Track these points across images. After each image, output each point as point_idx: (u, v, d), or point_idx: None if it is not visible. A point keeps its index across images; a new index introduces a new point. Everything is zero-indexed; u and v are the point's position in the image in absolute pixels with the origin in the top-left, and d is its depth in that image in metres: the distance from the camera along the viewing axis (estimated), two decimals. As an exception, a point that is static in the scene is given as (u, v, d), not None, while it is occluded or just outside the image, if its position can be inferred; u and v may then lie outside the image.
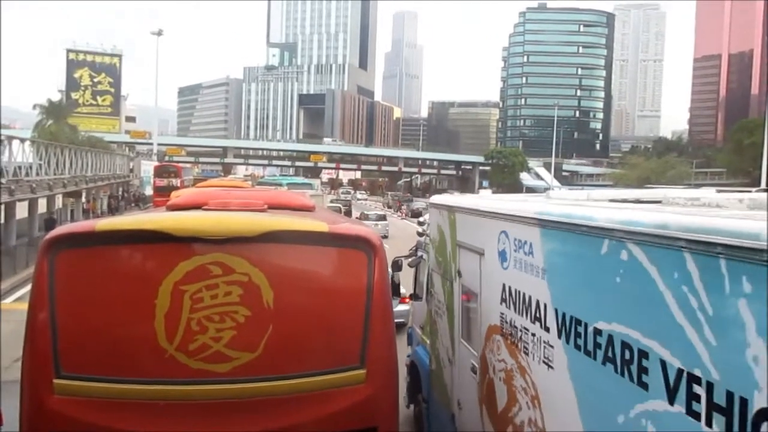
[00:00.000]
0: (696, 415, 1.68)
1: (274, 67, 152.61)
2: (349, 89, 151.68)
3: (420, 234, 7.91)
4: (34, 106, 46.09)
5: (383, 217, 26.39)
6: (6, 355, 5.66)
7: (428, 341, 4.78)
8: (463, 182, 73.41)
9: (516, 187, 57.92)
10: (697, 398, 1.68)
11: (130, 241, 2.70)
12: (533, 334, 2.78)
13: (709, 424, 1.64)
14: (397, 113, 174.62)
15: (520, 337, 2.93)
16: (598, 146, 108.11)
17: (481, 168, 74.87)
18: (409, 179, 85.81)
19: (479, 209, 3.62)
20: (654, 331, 1.88)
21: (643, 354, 1.92)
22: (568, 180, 70.19)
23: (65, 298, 2.60)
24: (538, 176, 71.15)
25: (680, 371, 1.75)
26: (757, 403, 1.47)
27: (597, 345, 2.20)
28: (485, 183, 68.79)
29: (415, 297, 5.68)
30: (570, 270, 2.51)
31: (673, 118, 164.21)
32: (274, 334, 2.62)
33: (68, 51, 75.76)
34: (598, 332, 2.20)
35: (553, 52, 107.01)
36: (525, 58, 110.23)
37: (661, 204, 2.47)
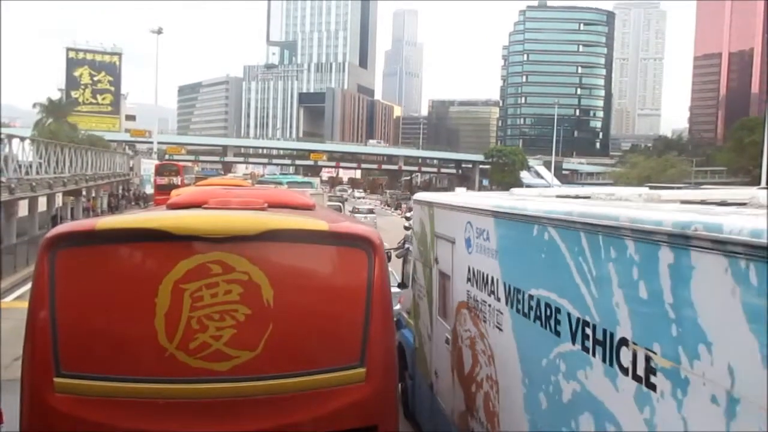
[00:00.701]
0: (587, 350, 2.26)
1: (274, 65, 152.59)
2: (349, 88, 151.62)
3: (407, 228, 8.29)
4: (34, 105, 46.22)
5: (372, 211, 30.55)
6: (6, 353, 5.65)
7: (413, 323, 5.24)
8: (464, 181, 73.20)
9: (516, 186, 57.56)
10: (588, 337, 2.26)
11: (130, 239, 2.70)
12: (489, 305, 3.30)
13: (594, 354, 2.22)
14: (397, 112, 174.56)
15: (481, 309, 3.45)
16: (598, 145, 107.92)
17: (481, 167, 74.76)
18: (409, 178, 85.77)
19: (451, 204, 4.12)
20: (564, 292, 2.43)
21: (557, 310, 2.49)
22: (569, 179, 69.95)
23: (65, 297, 2.60)
24: (538, 175, 70.99)
25: (578, 319, 2.32)
26: (618, 335, 2.06)
27: (530, 307, 2.77)
28: (485, 181, 68.67)
29: (402, 285, 6.11)
30: (514, 250, 3.08)
31: (674, 116, 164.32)
32: (274, 333, 2.62)
33: (68, 49, 75.87)
34: (531, 297, 2.76)
35: (554, 50, 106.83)
36: (525, 56, 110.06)
37: (589, 199, 2.96)
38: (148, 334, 2.55)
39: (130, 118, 78.79)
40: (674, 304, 1.74)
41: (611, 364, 2.07)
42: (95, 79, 75.54)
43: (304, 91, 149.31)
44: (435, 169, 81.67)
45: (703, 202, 2.23)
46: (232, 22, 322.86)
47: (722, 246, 1.54)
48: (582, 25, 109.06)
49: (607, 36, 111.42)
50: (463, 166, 78.94)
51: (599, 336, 2.15)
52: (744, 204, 2.04)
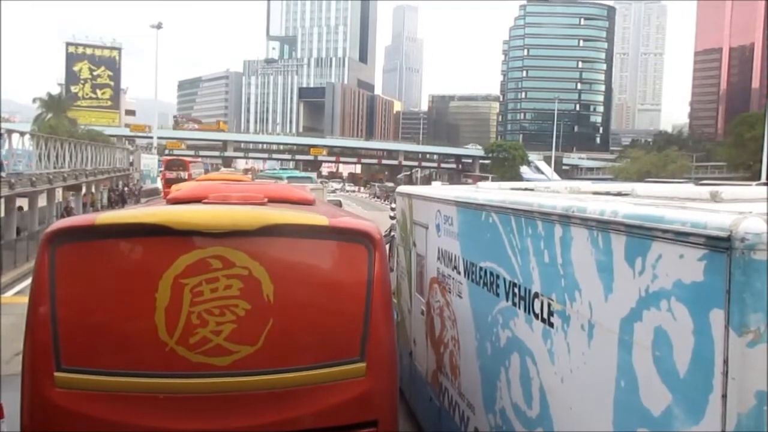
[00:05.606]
0: (515, 304, 2.93)
1: (273, 60, 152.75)
2: (349, 83, 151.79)
3: (392, 218, 8.94)
4: (34, 100, 46.66)
5: (334, 191, 38.91)
6: (6, 348, 5.68)
7: (396, 301, 5.92)
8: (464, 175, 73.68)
9: (516, 181, 57.95)
10: (515, 295, 2.93)
11: (130, 234, 2.69)
12: (453, 278, 3.94)
13: (519, 307, 2.88)
14: (398, 107, 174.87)
15: (447, 282, 4.08)
16: (598, 140, 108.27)
17: (481, 162, 75.17)
18: (409, 173, 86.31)
19: (425, 195, 4.86)
20: (501, 261, 3.10)
21: (497, 276, 3.17)
22: (569, 174, 70.35)
23: (66, 292, 2.61)
24: (539, 170, 71.36)
25: (510, 282, 2.99)
26: (533, 290, 2.72)
27: (480, 276, 3.44)
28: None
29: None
30: (469, 232, 3.73)
31: (674, 111, 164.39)
32: (274, 328, 2.62)
33: (68, 44, 75.94)
34: (480, 269, 3.44)
35: (554, 45, 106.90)
36: (525, 51, 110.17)
37: (532, 191, 3.64)
38: (148, 329, 2.56)
39: (130, 113, 79.05)
40: (562, 264, 2.41)
41: (529, 313, 2.74)
42: (95, 73, 75.66)
43: (304, 85, 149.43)
44: (435, 164, 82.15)
45: (608, 193, 2.84)
46: (231, 16, 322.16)
47: (585, 222, 2.21)
48: (582, 19, 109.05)
49: (608, 31, 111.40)
50: (463, 161, 79.38)
51: (522, 293, 2.83)
52: (627, 194, 2.63)
